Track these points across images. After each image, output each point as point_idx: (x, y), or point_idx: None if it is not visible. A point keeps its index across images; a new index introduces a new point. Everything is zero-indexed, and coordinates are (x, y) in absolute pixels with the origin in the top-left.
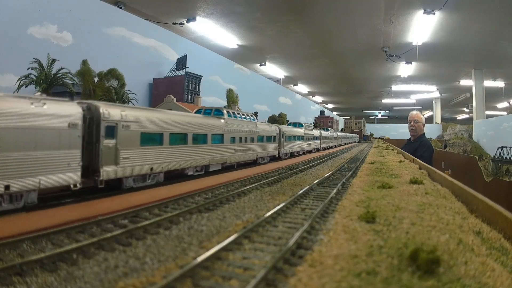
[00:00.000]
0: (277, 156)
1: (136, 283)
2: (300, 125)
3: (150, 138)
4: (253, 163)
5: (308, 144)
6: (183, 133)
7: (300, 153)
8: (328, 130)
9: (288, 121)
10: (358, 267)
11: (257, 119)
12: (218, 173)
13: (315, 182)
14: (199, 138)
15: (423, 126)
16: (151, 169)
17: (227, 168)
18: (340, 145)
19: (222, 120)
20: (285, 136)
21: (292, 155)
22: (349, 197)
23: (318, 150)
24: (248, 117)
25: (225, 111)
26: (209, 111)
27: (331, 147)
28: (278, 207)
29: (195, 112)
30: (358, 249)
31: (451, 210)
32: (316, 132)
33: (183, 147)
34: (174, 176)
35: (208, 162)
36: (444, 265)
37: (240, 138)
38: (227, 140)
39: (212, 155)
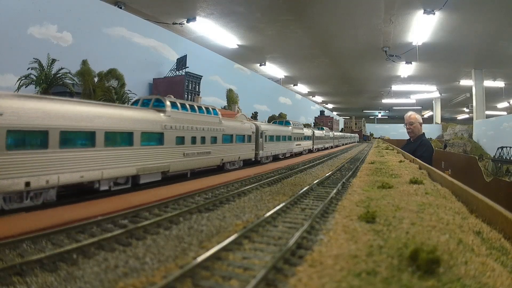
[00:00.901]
0: (253, 159)
1: (136, 283)
2: (287, 123)
3: (25, 139)
4: (219, 169)
5: (297, 145)
6: (87, 131)
7: (287, 155)
8: (323, 129)
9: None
10: (358, 267)
11: (257, 119)
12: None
13: (315, 182)
14: (119, 138)
15: (421, 126)
16: (27, 184)
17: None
18: (337, 146)
19: (162, 114)
20: (265, 136)
21: (276, 158)
22: (349, 197)
23: (310, 151)
24: (207, 110)
25: (168, 102)
26: (147, 101)
27: (326, 148)
28: (278, 207)
29: (132, 104)
30: (358, 249)
31: (451, 210)
32: (307, 131)
33: (87, 151)
34: (81, 192)
35: (136, 171)
36: (444, 265)
37: (194, 138)
38: (171, 140)
39: (143, 161)
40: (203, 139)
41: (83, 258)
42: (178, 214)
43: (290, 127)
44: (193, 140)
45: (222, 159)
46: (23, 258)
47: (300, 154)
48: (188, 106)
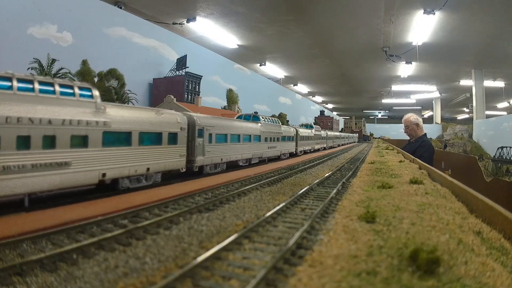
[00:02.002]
0: (183, 170)
1: (136, 283)
2: (255, 118)
3: None
4: (106, 190)
5: (270, 147)
6: None
7: (253, 161)
8: (312, 127)
9: (288, 121)
10: (358, 267)
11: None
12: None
13: (315, 182)
14: None
15: (418, 127)
16: None
17: (227, 167)
18: (331, 147)
19: None
20: (210, 134)
21: (232, 165)
22: (349, 197)
23: (293, 155)
24: (64, 89)
25: None
26: None
27: (317, 150)
28: (278, 207)
29: None
30: (358, 249)
31: (451, 210)
32: (287, 130)
33: None
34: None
35: None
36: (444, 265)
37: (24, 139)
38: None
39: None
40: (49, 141)
41: (83, 258)
42: (178, 214)
43: (259, 124)
44: (23, 143)
45: (104, 174)
46: (23, 258)
47: (278, 158)
48: (12, 78)
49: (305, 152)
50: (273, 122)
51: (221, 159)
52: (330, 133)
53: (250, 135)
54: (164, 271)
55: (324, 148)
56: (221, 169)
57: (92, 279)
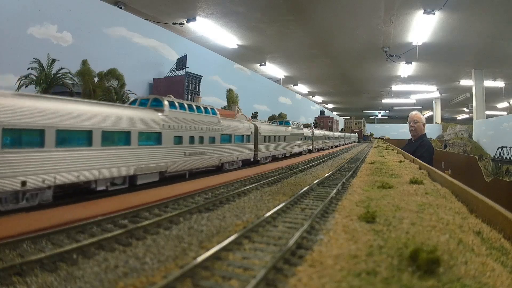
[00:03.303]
0: None
1: (136, 283)
2: (155, 103)
3: None
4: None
5: (192, 154)
6: None
7: (140, 182)
8: (289, 124)
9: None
10: (358, 267)
11: (257, 119)
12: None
13: (315, 182)
14: None
15: (424, 126)
16: None
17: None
18: (321, 150)
19: None
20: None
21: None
22: (349, 197)
23: (254, 162)
24: None
25: None
26: None
27: (298, 153)
28: (278, 207)
29: None
30: (358, 249)
31: (451, 210)
32: (235, 126)
33: None
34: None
35: None
36: (444, 265)
37: None
38: None
39: None
40: None
41: (83, 258)
42: (178, 214)
43: (160, 114)
44: None
45: None
46: (23, 258)
47: (231, 167)
48: None
49: (274, 158)
50: (200, 112)
51: (24, 181)
52: (318, 132)
53: (129, 133)
54: (164, 271)
55: (310, 151)
56: (39, 201)
57: (92, 279)
